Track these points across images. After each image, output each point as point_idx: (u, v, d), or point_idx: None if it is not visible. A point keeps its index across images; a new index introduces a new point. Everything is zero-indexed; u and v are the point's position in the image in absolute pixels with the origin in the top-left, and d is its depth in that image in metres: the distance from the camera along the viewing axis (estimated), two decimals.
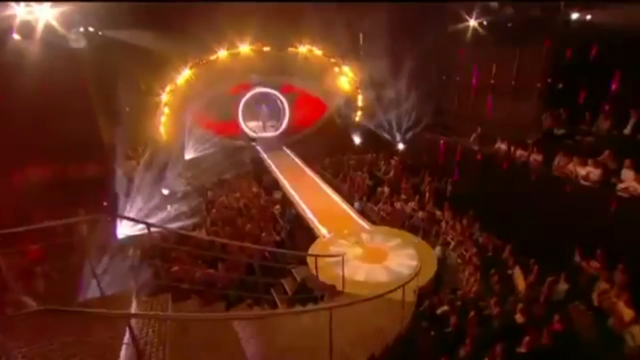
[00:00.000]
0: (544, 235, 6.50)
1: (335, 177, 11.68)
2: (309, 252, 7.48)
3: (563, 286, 5.45)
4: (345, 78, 14.32)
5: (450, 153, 10.51)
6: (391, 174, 11.62)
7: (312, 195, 10.11)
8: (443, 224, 8.46)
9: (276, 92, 14.87)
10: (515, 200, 7.53)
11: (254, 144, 14.80)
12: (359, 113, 14.80)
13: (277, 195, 9.99)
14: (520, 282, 5.79)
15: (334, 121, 14.77)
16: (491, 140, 9.36)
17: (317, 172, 12.09)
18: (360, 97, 14.56)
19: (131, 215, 8.13)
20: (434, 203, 9.21)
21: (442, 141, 11.03)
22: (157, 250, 5.21)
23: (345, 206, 9.48)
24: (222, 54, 12.32)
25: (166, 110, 12.24)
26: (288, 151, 14.21)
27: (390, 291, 4.50)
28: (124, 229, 7.76)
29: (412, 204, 9.27)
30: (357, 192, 10.62)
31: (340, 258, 5.94)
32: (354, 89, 14.48)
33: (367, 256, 7.37)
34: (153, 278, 4.44)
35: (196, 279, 6.08)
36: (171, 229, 5.85)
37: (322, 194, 10.33)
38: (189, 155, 13.15)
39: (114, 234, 7.54)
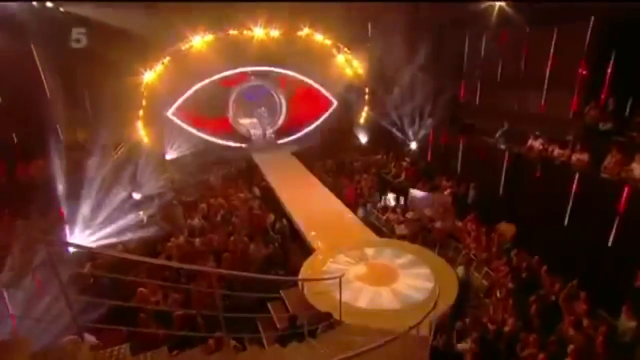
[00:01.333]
0: (595, 254, 5.79)
1: (338, 180, 11.35)
2: (303, 268, 6.89)
3: (628, 323, 4.44)
4: (352, 68, 13.94)
5: (473, 153, 10.01)
6: (402, 177, 11.26)
7: (309, 202, 9.76)
8: (465, 236, 7.91)
9: (272, 85, 14.51)
10: (554, 208, 7.17)
11: (245, 144, 14.42)
12: (366, 108, 14.45)
13: (250, 196, 9.58)
14: (569, 315, 4.71)
15: (339, 117, 14.55)
16: (522, 138, 8.78)
17: (317, 175, 11.77)
18: (368, 90, 14.13)
19: (86, 221, 7.26)
20: (454, 212, 8.72)
21: (462, 139, 10.45)
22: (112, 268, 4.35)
23: (348, 214, 9.07)
24: (207, 38, 11.57)
25: (144, 102, 11.80)
26: (285, 151, 13.86)
27: (398, 336, 3.80)
28: (78, 240, 6.97)
29: (427, 212, 8.73)
30: (361, 197, 10.28)
31: (338, 280, 5.36)
32: (361, 80, 14.07)
33: (372, 276, 6.72)
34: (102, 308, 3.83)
35: (159, 307, 5.23)
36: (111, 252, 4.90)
37: (322, 200, 9.92)
38: (171, 154, 12.84)
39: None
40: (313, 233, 8.16)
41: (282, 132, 15.11)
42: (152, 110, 12.13)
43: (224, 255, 7.15)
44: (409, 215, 8.84)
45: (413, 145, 12.46)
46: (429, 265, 6.90)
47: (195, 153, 12.76)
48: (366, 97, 14.40)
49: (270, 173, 12.01)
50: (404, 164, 11.97)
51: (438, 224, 8.34)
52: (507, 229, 7.85)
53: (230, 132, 14.49)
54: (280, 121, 15.18)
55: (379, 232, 8.69)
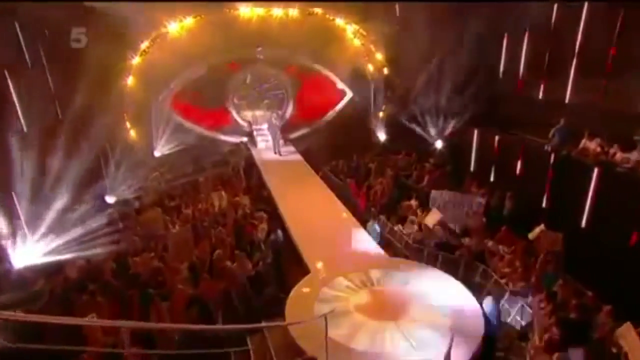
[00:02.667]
0: None
1: (349, 183, 10.87)
2: (292, 294, 6.33)
3: None
4: (370, 53, 13.39)
5: (510, 155, 9.46)
6: (425, 182, 10.59)
7: (311, 210, 9.30)
8: (496, 259, 7.19)
9: (278, 73, 14.16)
10: (617, 227, 6.50)
11: (246, 139, 14.08)
12: (386, 100, 13.90)
13: (220, 195, 9.15)
14: None
15: (353, 111, 14.14)
16: (573, 136, 8.20)
17: (324, 178, 11.38)
18: (389, 80, 13.61)
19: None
20: (484, 226, 8.11)
21: (497, 138, 9.99)
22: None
23: (356, 227, 8.55)
24: (199, 18, 11.19)
25: (128, 92, 11.48)
26: (290, 149, 13.55)
27: None
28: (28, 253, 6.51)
29: (454, 226, 8.21)
30: (374, 205, 9.71)
31: (329, 314, 4.77)
32: (381, 68, 13.49)
33: (377, 307, 6.04)
34: None
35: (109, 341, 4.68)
36: None
37: (326, 208, 9.45)
38: (160, 151, 12.54)
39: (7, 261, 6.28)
40: (310, 249, 7.64)
41: (288, 127, 14.66)
42: (138, 101, 11.81)
43: (203, 276, 6.66)
44: (430, 220, 8.12)
45: (438, 145, 11.91)
46: (448, 294, 6.21)
47: (189, 149, 12.50)
48: (386, 88, 13.80)
49: (270, 174, 11.60)
50: (427, 166, 11.36)
51: (466, 240, 7.67)
52: (549, 238, 7.07)
53: (231, 126, 14.26)
54: (288, 114, 14.77)
55: (392, 249, 8.18)
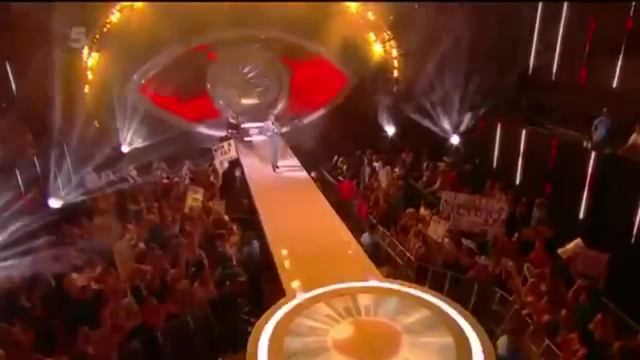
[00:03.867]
0: None
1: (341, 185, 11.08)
2: (257, 324, 5.80)
3: None
4: (375, 31, 13.27)
5: (541, 153, 9.29)
6: (437, 185, 10.50)
7: (297, 218, 9.01)
8: (517, 282, 6.71)
9: (268, 55, 13.99)
10: None
11: (232, 134, 13.71)
12: (395, 88, 13.68)
13: (196, 195, 9.05)
14: None
15: (356, 100, 13.80)
16: (620, 131, 8.02)
17: (317, 180, 11.36)
18: (398, 63, 13.37)
19: None
20: (505, 240, 7.74)
21: (525, 132, 9.76)
22: None
23: (348, 239, 8.22)
24: None
25: (90, 77, 11.24)
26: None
27: None
28: None
29: (467, 243, 7.64)
30: (373, 212, 9.68)
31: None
32: (390, 50, 13.35)
33: (361, 344, 5.53)
34: None
35: None
36: None
37: (315, 217, 9.19)
38: (128, 146, 12.36)
39: None
40: (289, 266, 7.23)
41: (281, 118, 14.17)
42: (102, 88, 11.66)
43: (149, 299, 6.14)
44: (438, 231, 7.70)
45: (454, 140, 11.84)
46: (452, 328, 5.60)
47: (164, 145, 12.13)
48: (395, 72, 13.52)
49: (253, 174, 11.33)
50: (441, 166, 11.27)
51: (482, 258, 7.18)
52: (587, 258, 6.47)
53: (214, 117, 14.04)
54: (280, 105, 14.55)
55: (391, 267, 8.02)
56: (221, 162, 11.23)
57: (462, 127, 11.53)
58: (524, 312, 6.12)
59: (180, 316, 6.11)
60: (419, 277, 7.25)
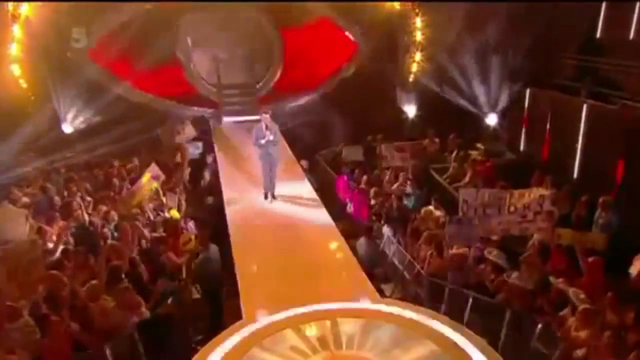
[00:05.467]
0: None
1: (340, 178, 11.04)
2: (205, 349, 5.71)
3: None
4: None
5: (609, 135, 9.23)
6: (466, 179, 10.46)
7: (273, 219, 9.02)
8: (566, 313, 6.22)
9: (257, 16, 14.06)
10: None
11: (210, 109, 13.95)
12: (417, 57, 13.45)
13: (151, 179, 9.15)
14: None
15: (368, 73, 13.78)
16: None
17: (311, 172, 11.43)
18: (420, 23, 13.18)
19: None
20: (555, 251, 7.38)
21: (586, 108, 9.71)
22: None
23: (338, 244, 8.24)
24: None
25: (20, 34, 10.81)
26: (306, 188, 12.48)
27: None
28: None
29: (493, 257, 7.23)
30: (378, 214, 9.60)
31: None
32: (408, 6, 13.27)
33: None
34: None
35: None
36: None
37: (302, 217, 9.19)
38: (71, 125, 12.45)
39: None
40: (253, 278, 7.24)
41: (273, 95, 14.51)
42: (37, 51, 11.41)
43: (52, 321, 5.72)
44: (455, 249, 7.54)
45: (491, 121, 11.99)
46: None
47: (116, 124, 12.14)
48: (417, 34, 13.32)
49: (227, 166, 11.14)
50: (474, 154, 11.27)
51: (513, 275, 6.80)
52: None
53: (184, 91, 14.03)
54: (275, 76, 14.52)
55: (395, 282, 8.08)
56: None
57: (502, 104, 11.71)
58: (577, 353, 5.70)
59: (95, 346, 5.83)
60: (432, 298, 7.09)
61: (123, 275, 6.76)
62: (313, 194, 9.77)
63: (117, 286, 6.43)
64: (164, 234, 7.99)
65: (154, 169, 9.44)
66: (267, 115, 9.20)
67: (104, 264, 7.03)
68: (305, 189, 9.99)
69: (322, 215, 9.10)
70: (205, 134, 12.98)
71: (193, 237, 8.31)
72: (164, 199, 9.38)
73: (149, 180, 9.14)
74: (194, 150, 11.94)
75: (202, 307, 7.55)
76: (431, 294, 7.12)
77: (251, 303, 6.61)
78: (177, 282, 7.30)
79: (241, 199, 9.60)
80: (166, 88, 13.68)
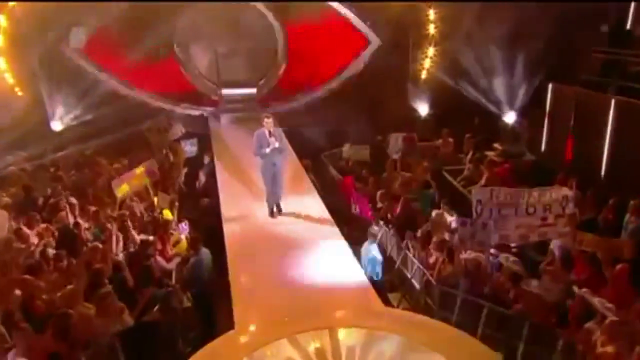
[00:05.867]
0: None
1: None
2: None
3: None
4: None
5: (638, 134, 9.16)
6: (482, 181, 10.35)
7: (272, 224, 8.83)
8: (592, 327, 6.02)
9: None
10: None
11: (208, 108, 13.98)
12: (430, 53, 13.52)
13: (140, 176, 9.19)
14: None
15: (378, 70, 13.80)
16: None
17: (316, 175, 11.38)
18: (434, 15, 13.31)
19: None
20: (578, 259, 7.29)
21: (614, 105, 9.63)
22: None
23: (340, 249, 8.10)
24: None
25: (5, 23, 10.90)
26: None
27: None
28: None
29: (510, 258, 7.28)
30: (385, 216, 9.58)
31: None
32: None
33: None
34: None
35: None
36: None
37: (304, 222, 8.99)
38: (61, 122, 12.50)
39: None
40: (246, 285, 7.16)
41: (276, 93, 14.53)
42: (27, 44, 11.54)
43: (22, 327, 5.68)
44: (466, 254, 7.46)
45: (510, 119, 12.00)
46: None
47: (110, 121, 12.29)
48: (430, 27, 13.42)
49: (226, 166, 11.05)
50: (490, 155, 11.29)
51: (532, 284, 6.75)
52: None
53: (181, 89, 14.08)
54: (279, 73, 14.53)
55: (402, 291, 8.13)
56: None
57: (522, 101, 11.66)
58: None
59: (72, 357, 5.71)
60: (443, 308, 7.00)
61: (106, 280, 6.68)
62: (325, 213, 8.94)
63: (98, 292, 6.31)
64: (151, 237, 7.91)
65: (152, 163, 9.53)
66: (270, 120, 8.41)
67: (84, 267, 6.96)
68: (316, 205, 9.22)
69: (333, 236, 8.41)
70: (202, 134, 12.97)
71: (184, 238, 8.27)
72: (155, 199, 9.36)
73: (143, 173, 9.12)
74: (190, 148, 11.92)
75: (192, 316, 7.41)
76: (442, 304, 7.01)
77: (245, 311, 6.55)
78: (166, 288, 7.09)
79: (241, 215, 8.92)
80: (162, 85, 13.68)
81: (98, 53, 13.01)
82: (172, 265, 7.74)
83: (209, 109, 14.08)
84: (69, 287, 6.48)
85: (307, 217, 8.71)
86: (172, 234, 8.27)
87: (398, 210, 9.42)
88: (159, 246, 7.82)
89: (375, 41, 13.96)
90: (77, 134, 12.38)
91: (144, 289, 7.00)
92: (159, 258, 7.63)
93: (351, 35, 14.11)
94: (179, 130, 11.42)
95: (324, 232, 8.35)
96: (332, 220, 8.82)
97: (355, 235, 8.69)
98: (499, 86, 11.97)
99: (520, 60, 11.56)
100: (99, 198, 9.40)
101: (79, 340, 5.81)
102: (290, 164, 10.17)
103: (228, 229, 8.51)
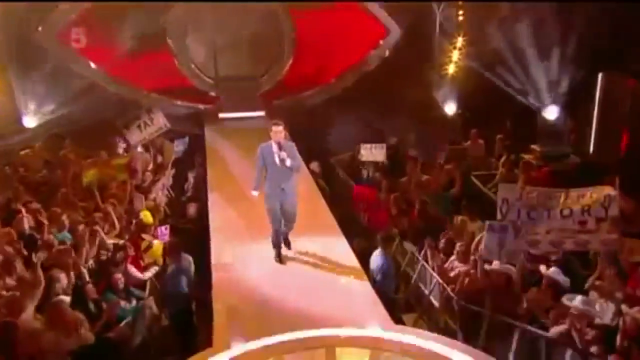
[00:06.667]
0: None
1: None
2: None
3: None
4: None
5: None
6: (520, 185, 9.80)
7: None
8: None
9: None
10: None
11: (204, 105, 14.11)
12: (458, 43, 13.53)
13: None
14: None
15: (398, 64, 13.82)
16: None
17: (323, 181, 11.44)
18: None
19: None
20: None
21: None
22: None
23: (348, 262, 7.84)
24: None
25: None
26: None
27: None
28: None
29: (552, 269, 7.09)
30: (399, 223, 9.77)
31: None
32: None
33: None
34: None
35: None
36: None
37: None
38: (34, 119, 12.58)
39: None
40: (231, 295, 6.91)
41: (281, 89, 14.56)
42: None
43: None
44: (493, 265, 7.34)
45: (551, 115, 11.90)
46: None
47: (89, 115, 12.36)
48: (459, 13, 13.68)
49: (219, 172, 11.01)
50: (527, 158, 11.43)
51: (576, 301, 6.27)
52: None
53: (174, 84, 14.08)
54: (285, 67, 14.54)
55: (419, 307, 8.12)
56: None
57: (566, 94, 11.74)
58: None
59: None
60: (467, 330, 6.92)
61: (61, 290, 6.62)
62: (351, 256, 7.63)
63: (49, 301, 6.24)
64: (123, 241, 7.90)
65: (134, 158, 9.55)
66: (280, 128, 6.95)
67: (40, 274, 6.64)
68: (339, 248, 7.88)
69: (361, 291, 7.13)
70: (195, 133, 13.01)
71: (156, 243, 8.16)
72: (135, 202, 9.34)
73: (121, 166, 9.15)
74: (179, 147, 11.85)
75: (167, 332, 7.42)
76: (465, 325, 6.92)
77: (226, 326, 6.33)
78: (136, 300, 7.11)
79: (236, 255, 7.68)
80: (152, 78, 13.67)
81: (77, 40, 12.97)
82: (146, 275, 7.69)
83: (205, 106, 13.96)
84: (10, 293, 6.39)
85: (326, 261, 7.42)
86: (143, 238, 8.20)
87: (414, 215, 9.50)
88: (131, 252, 7.72)
89: (395, 30, 13.93)
90: (50, 129, 12.37)
91: (109, 300, 6.85)
92: (130, 266, 7.47)
93: (367, 23, 14.11)
94: (160, 123, 11.28)
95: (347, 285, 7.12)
96: (360, 268, 7.55)
97: (364, 247, 8.55)
98: (538, 77, 11.97)
99: (564, 47, 11.56)
100: (70, 200, 9.26)
101: (27, 357, 5.71)
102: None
103: (218, 277, 7.29)
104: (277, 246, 7.21)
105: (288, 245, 7.36)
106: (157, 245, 8.20)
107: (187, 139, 12.52)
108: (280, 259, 7.19)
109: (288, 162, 6.81)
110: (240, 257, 7.58)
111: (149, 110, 11.23)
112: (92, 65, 13.35)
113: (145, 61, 13.59)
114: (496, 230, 6.98)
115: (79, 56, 13.27)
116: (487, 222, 7.17)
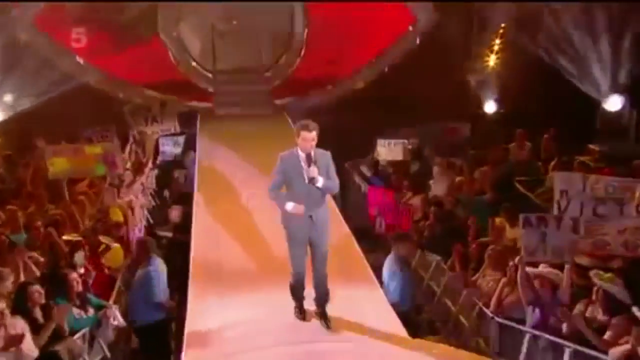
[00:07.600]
0: None
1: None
2: None
3: None
4: None
5: None
6: (581, 174, 10.10)
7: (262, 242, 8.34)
8: None
9: None
10: None
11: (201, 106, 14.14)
12: (500, 30, 14.16)
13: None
14: None
15: (428, 56, 14.01)
16: None
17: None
18: None
19: None
20: None
21: None
22: None
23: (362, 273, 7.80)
24: None
25: None
26: (287, 126, 12.91)
27: None
28: None
29: (607, 277, 6.80)
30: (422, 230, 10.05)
31: None
32: None
33: None
34: None
35: None
36: None
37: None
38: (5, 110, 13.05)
39: None
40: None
41: (292, 84, 14.89)
42: None
43: None
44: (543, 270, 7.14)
45: (613, 106, 12.04)
46: None
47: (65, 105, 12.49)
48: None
49: (209, 175, 10.97)
50: (584, 159, 11.46)
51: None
52: None
53: (164, 78, 14.40)
54: (295, 60, 14.95)
55: (442, 332, 8.00)
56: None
57: (630, 82, 11.90)
58: None
59: None
60: (503, 351, 6.82)
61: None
62: (396, 322, 6.47)
63: None
64: (79, 239, 7.94)
65: (113, 147, 9.56)
66: (313, 134, 5.42)
67: None
68: (378, 303, 6.93)
69: None
70: (188, 132, 13.12)
71: (117, 247, 8.11)
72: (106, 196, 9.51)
73: (98, 156, 9.12)
74: (171, 149, 12.15)
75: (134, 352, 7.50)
76: (501, 346, 6.77)
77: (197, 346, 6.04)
78: (96, 308, 6.94)
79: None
80: (142, 72, 13.97)
81: (57, 29, 13.36)
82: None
83: (201, 104, 14.07)
84: None
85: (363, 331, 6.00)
86: (100, 241, 8.17)
87: (440, 220, 9.56)
88: (86, 252, 7.72)
89: (424, 17, 14.14)
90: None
91: (58, 306, 6.52)
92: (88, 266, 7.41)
93: (392, 9, 14.38)
94: (171, 126, 11.78)
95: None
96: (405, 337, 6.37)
97: (381, 259, 8.48)
98: (596, 63, 11.98)
99: (628, 26, 11.66)
100: (37, 196, 9.35)
101: None
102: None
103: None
104: (298, 298, 6.04)
105: (325, 318, 5.76)
106: (117, 249, 8.18)
107: (181, 138, 12.67)
108: (301, 314, 5.99)
109: (320, 182, 5.49)
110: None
111: (163, 105, 11.55)
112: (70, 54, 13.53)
113: (134, 52, 13.80)
114: (534, 224, 6.68)
115: (56, 45, 13.47)
116: (522, 216, 6.73)
